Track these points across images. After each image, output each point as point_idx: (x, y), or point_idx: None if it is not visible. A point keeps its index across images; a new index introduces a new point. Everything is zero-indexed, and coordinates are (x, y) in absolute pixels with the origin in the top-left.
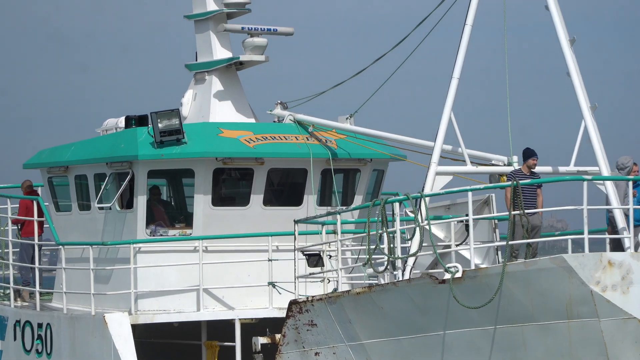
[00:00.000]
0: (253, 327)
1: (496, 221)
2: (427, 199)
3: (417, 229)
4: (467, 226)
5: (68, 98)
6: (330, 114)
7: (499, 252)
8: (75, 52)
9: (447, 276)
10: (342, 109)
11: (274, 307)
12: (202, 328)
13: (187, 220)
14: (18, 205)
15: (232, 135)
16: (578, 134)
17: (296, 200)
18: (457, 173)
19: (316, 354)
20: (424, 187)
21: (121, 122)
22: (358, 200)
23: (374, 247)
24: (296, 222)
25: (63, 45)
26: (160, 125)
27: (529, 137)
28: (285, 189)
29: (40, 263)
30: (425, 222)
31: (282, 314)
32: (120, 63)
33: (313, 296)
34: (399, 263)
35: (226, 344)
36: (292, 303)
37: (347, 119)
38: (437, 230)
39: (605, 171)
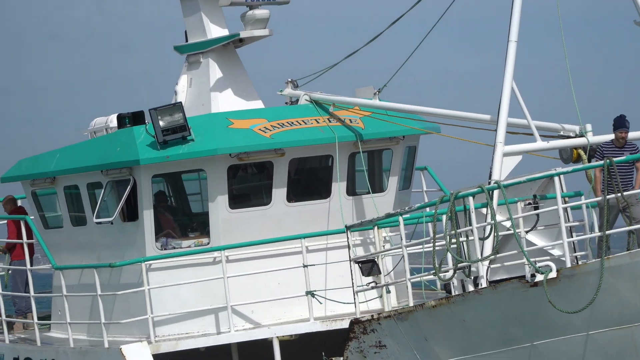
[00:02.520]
0: (292, 344)
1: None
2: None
3: (493, 226)
4: (535, 208)
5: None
6: (347, 90)
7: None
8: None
9: (539, 278)
10: (359, 82)
11: (315, 319)
12: (233, 351)
13: (200, 227)
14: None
15: (244, 125)
16: None
17: (323, 192)
18: (527, 152)
19: None
20: (491, 172)
21: (112, 121)
22: (393, 182)
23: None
24: (348, 228)
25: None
26: (161, 122)
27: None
28: (309, 180)
29: (33, 290)
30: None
31: (326, 327)
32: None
33: (379, 313)
34: (479, 268)
35: None
36: (354, 323)
37: (375, 94)
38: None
39: None
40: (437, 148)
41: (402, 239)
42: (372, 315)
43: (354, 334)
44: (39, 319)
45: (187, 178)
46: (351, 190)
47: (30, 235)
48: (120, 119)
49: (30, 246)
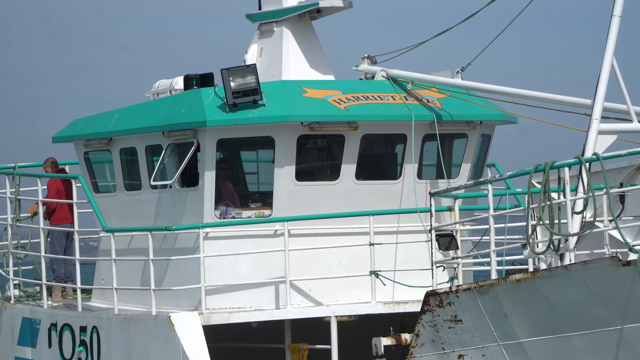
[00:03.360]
0: (349, 326)
1: None
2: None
3: (590, 199)
4: (621, 197)
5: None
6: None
7: None
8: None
9: (633, 256)
10: (438, 65)
11: (377, 301)
12: (286, 328)
13: (261, 199)
14: (46, 187)
15: (318, 95)
16: None
17: (392, 173)
18: (623, 131)
19: (460, 356)
20: (584, 149)
21: (177, 83)
22: (465, 170)
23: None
24: (432, 194)
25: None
26: (232, 84)
27: None
28: (380, 159)
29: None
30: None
31: (388, 309)
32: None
33: (458, 286)
34: (568, 242)
35: (318, 346)
36: (430, 295)
37: (457, 72)
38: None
39: None
40: (507, 144)
41: (489, 207)
42: (450, 287)
43: (429, 306)
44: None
45: (246, 159)
46: (421, 174)
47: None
48: (188, 80)
49: (71, 212)
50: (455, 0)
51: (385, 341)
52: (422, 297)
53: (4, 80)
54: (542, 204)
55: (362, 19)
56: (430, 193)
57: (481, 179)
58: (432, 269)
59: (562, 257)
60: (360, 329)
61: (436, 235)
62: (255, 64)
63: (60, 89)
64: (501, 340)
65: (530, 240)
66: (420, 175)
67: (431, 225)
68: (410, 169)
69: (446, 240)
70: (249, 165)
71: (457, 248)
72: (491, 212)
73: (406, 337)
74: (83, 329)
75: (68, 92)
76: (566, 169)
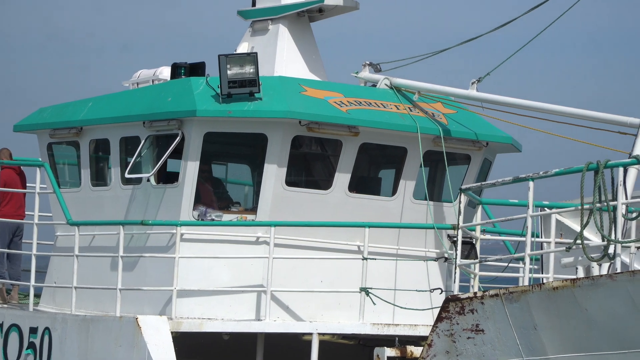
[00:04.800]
0: (330, 350)
1: None
2: None
3: None
4: None
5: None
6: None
7: None
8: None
9: None
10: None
11: (366, 321)
12: (259, 344)
13: (243, 204)
14: None
15: (318, 95)
16: None
17: (390, 189)
18: None
19: None
20: (632, 152)
21: (162, 72)
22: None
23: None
24: (462, 190)
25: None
26: (229, 72)
27: None
28: (377, 172)
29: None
30: None
31: (377, 330)
32: None
33: (484, 291)
34: (618, 249)
35: None
36: (451, 300)
37: (472, 83)
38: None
39: None
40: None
41: (529, 205)
42: (475, 293)
43: (448, 313)
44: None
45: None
46: (419, 194)
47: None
48: (176, 68)
49: (20, 209)
50: (466, 18)
51: (389, 352)
52: (415, 322)
53: None
54: (596, 206)
55: (366, 24)
56: (461, 189)
57: (522, 176)
58: (455, 271)
59: (601, 267)
60: (342, 355)
61: (453, 240)
62: (256, 53)
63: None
64: (526, 355)
65: (580, 245)
66: (417, 195)
67: (458, 223)
68: (408, 186)
69: (465, 249)
70: (233, 168)
71: (477, 258)
72: (530, 211)
73: (412, 349)
74: (33, 331)
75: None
76: (620, 169)
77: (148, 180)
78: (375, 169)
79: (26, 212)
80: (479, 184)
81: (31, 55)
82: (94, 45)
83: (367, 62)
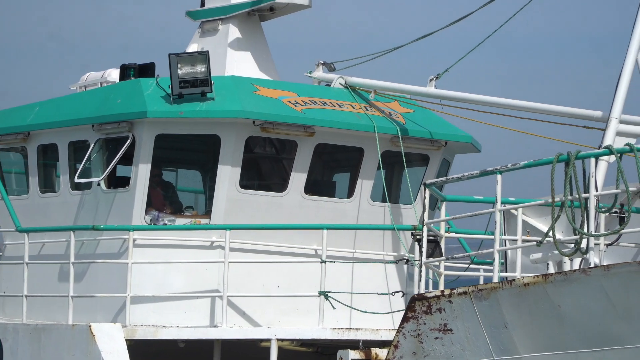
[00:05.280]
0: (288, 355)
1: None
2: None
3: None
4: (620, 219)
5: None
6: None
7: None
8: None
9: None
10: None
11: (326, 326)
12: (216, 350)
13: (198, 207)
14: None
15: (272, 94)
16: None
17: (344, 190)
18: None
19: None
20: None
21: (111, 74)
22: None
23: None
24: (427, 185)
25: None
26: (180, 71)
27: None
28: (332, 174)
29: None
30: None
31: (337, 335)
32: None
33: (452, 289)
34: (591, 243)
35: None
36: (417, 299)
37: (430, 80)
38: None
39: None
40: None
41: (497, 199)
42: (442, 291)
43: (414, 312)
44: None
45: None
46: (376, 196)
47: None
48: (125, 69)
49: None
50: (422, 16)
51: (353, 355)
52: (376, 326)
53: None
54: (567, 198)
55: (318, 22)
56: (424, 184)
57: (489, 169)
58: (421, 267)
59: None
60: (304, 358)
61: (417, 239)
62: (208, 52)
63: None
64: (497, 354)
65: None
66: (374, 197)
67: (423, 218)
68: (365, 188)
69: (430, 247)
70: (185, 172)
71: (441, 255)
72: (499, 205)
73: (377, 351)
74: None
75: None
76: (592, 159)
77: (98, 184)
78: (331, 171)
79: None
80: (443, 178)
81: (31, 55)
82: (94, 45)
83: (321, 62)
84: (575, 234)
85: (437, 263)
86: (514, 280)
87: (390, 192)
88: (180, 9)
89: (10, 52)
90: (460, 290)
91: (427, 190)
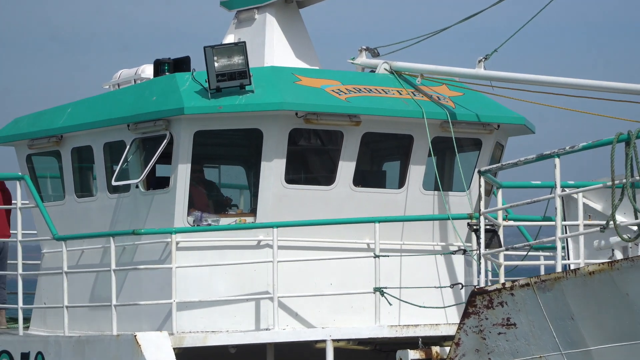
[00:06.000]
0: (345, 354)
1: None
2: None
3: None
4: None
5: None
6: None
7: None
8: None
9: None
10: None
11: (383, 324)
12: (269, 354)
13: (241, 206)
14: None
15: (314, 84)
16: None
17: (395, 180)
18: None
19: None
20: None
21: (144, 71)
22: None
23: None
24: (481, 172)
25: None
26: (217, 64)
27: None
28: (382, 163)
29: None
30: None
31: (395, 332)
32: None
33: (514, 281)
34: None
35: None
36: (477, 293)
37: (479, 61)
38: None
39: None
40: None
41: (556, 185)
42: (504, 284)
43: (475, 308)
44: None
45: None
46: (428, 184)
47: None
48: (159, 65)
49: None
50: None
51: (413, 354)
52: (435, 321)
53: None
54: (628, 180)
55: (359, 6)
56: (479, 171)
57: (546, 153)
58: (480, 260)
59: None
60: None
61: (474, 229)
62: (245, 42)
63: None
64: (564, 348)
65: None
66: (426, 186)
67: (479, 208)
68: (416, 177)
69: (487, 237)
70: (229, 168)
71: (500, 246)
72: (558, 191)
73: (437, 350)
74: (25, 356)
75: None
76: None
77: (137, 186)
78: (380, 160)
79: (11, 231)
80: (499, 164)
81: (31, 55)
82: (94, 45)
83: (364, 47)
84: (636, 218)
85: (496, 254)
86: (578, 269)
87: (443, 180)
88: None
89: (13, 49)
90: (522, 282)
91: (482, 178)
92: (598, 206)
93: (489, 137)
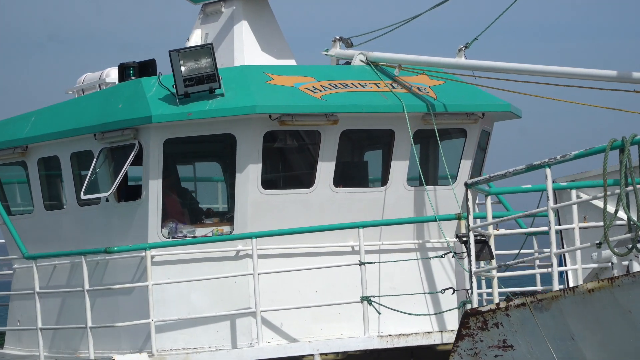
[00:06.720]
0: None
1: None
2: None
3: None
4: None
5: None
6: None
7: None
8: None
9: None
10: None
11: (372, 334)
12: None
13: (218, 214)
14: None
15: (287, 82)
16: None
17: (377, 177)
18: None
19: None
20: None
21: (109, 75)
22: (464, 172)
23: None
24: (468, 185)
25: None
26: (183, 68)
27: None
28: (362, 159)
29: None
30: None
31: (386, 343)
32: None
33: (508, 300)
34: None
35: None
36: (471, 314)
37: (459, 50)
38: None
39: None
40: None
41: (549, 196)
42: (498, 304)
43: (468, 330)
44: None
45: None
46: (412, 179)
47: None
48: (123, 69)
49: None
50: None
51: None
52: (428, 329)
53: None
54: (623, 189)
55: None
56: (466, 184)
57: (536, 163)
58: (471, 280)
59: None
60: None
61: (463, 240)
62: (211, 44)
63: None
64: None
65: (608, 238)
66: (410, 182)
67: (468, 224)
68: (400, 173)
69: (477, 248)
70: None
71: (492, 257)
72: (551, 203)
73: None
74: None
75: None
76: None
77: (107, 200)
78: (361, 158)
79: None
80: (486, 177)
81: (31, 55)
82: (94, 45)
83: (338, 37)
84: (630, 231)
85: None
86: (576, 287)
87: (428, 175)
88: None
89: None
90: (517, 301)
91: (468, 191)
92: (597, 202)
93: (474, 127)
